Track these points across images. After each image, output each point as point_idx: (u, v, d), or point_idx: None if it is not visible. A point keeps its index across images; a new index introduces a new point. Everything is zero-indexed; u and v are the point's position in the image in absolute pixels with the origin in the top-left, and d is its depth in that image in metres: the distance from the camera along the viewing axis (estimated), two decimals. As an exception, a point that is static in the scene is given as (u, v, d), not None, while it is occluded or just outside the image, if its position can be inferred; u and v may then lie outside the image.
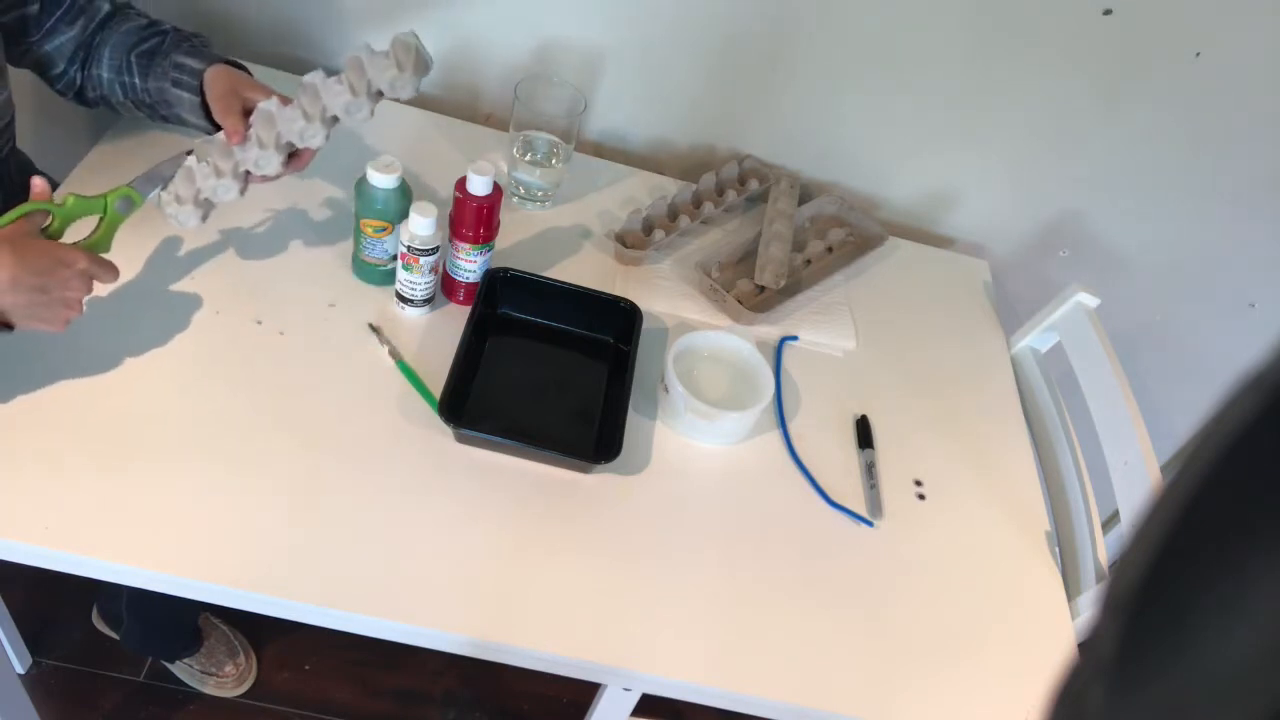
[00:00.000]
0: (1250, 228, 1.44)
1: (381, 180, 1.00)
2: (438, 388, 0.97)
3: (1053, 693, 0.30)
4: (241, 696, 1.49)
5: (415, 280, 1.04)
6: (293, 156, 0.97)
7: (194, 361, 0.96)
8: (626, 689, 0.95)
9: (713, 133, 1.41)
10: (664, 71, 1.35)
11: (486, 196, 1.02)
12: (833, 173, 1.43)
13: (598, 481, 0.98)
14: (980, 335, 1.31)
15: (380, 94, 0.94)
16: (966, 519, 1.07)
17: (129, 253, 1.00)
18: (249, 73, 1.01)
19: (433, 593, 0.85)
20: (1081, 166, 1.40)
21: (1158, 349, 1.58)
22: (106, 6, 1.00)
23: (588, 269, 1.20)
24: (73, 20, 0.98)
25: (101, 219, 0.87)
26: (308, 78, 0.93)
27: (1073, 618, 1.01)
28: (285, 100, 0.94)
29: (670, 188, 1.36)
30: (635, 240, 1.24)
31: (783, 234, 1.25)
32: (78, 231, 0.86)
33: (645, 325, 1.12)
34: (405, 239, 1.01)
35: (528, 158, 1.24)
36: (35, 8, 0.96)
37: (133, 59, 0.99)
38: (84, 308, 0.84)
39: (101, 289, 0.91)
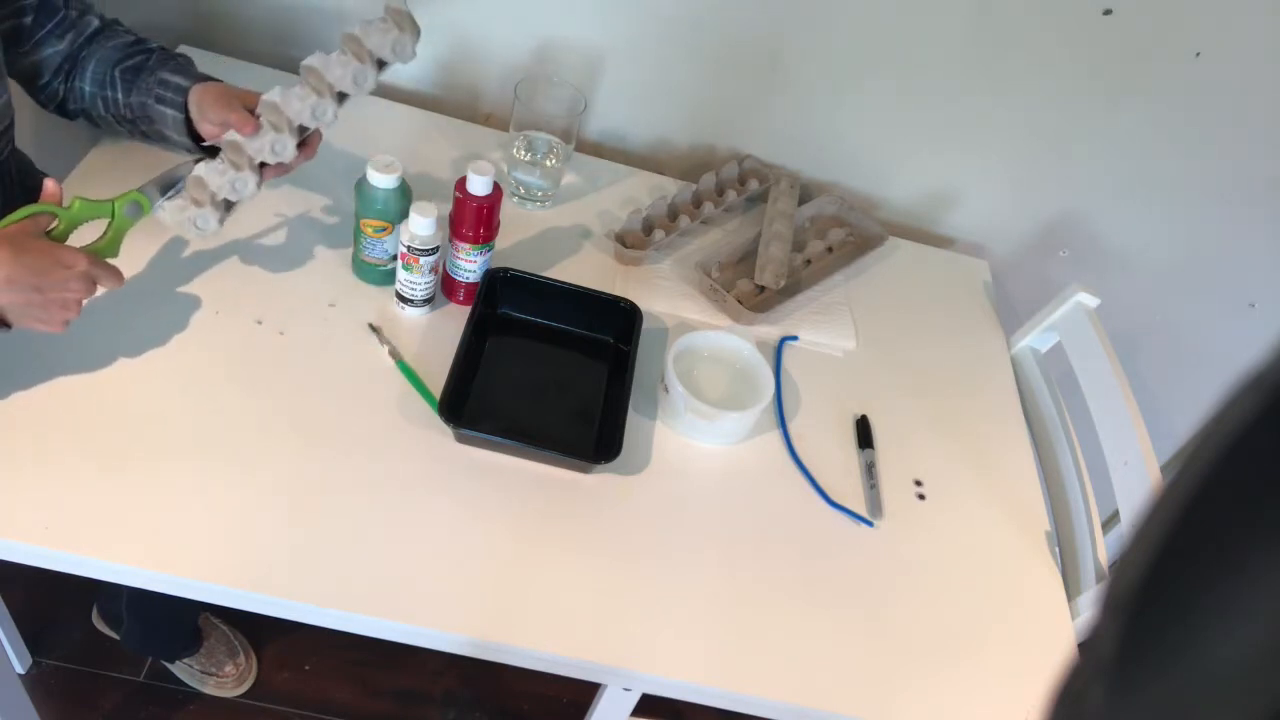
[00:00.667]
0: (1250, 228, 1.44)
1: (381, 180, 1.00)
2: (438, 388, 0.97)
3: (1053, 693, 0.30)
4: (241, 696, 1.49)
5: (415, 280, 1.04)
6: (302, 146, 0.96)
7: (194, 361, 0.96)
8: (626, 689, 0.95)
9: (713, 133, 1.41)
10: (664, 71, 1.35)
11: (486, 196, 1.02)
12: (833, 173, 1.43)
13: (598, 481, 0.98)
14: (980, 335, 1.31)
15: (382, 63, 0.95)
16: (966, 519, 1.07)
17: (129, 253, 1.00)
18: None
19: (433, 593, 0.85)
20: (1082, 166, 1.40)
21: (1158, 349, 1.58)
22: (95, 22, 1.01)
23: (588, 269, 1.20)
24: (62, 34, 0.99)
25: (110, 223, 0.87)
26: (308, 60, 0.94)
27: (1073, 618, 1.01)
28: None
29: (670, 188, 1.36)
30: (635, 240, 1.24)
31: (783, 234, 1.25)
32: (87, 236, 0.86)
33: (645, 325, 1.12)
34: (405, 239, 1.01)
35: (528, 158, 1.24)
36: (29, 19, 0.96)
37: (117, 74, 0.99)
38: (81, 310, 0.83)
39: (104, 291, 0.91)
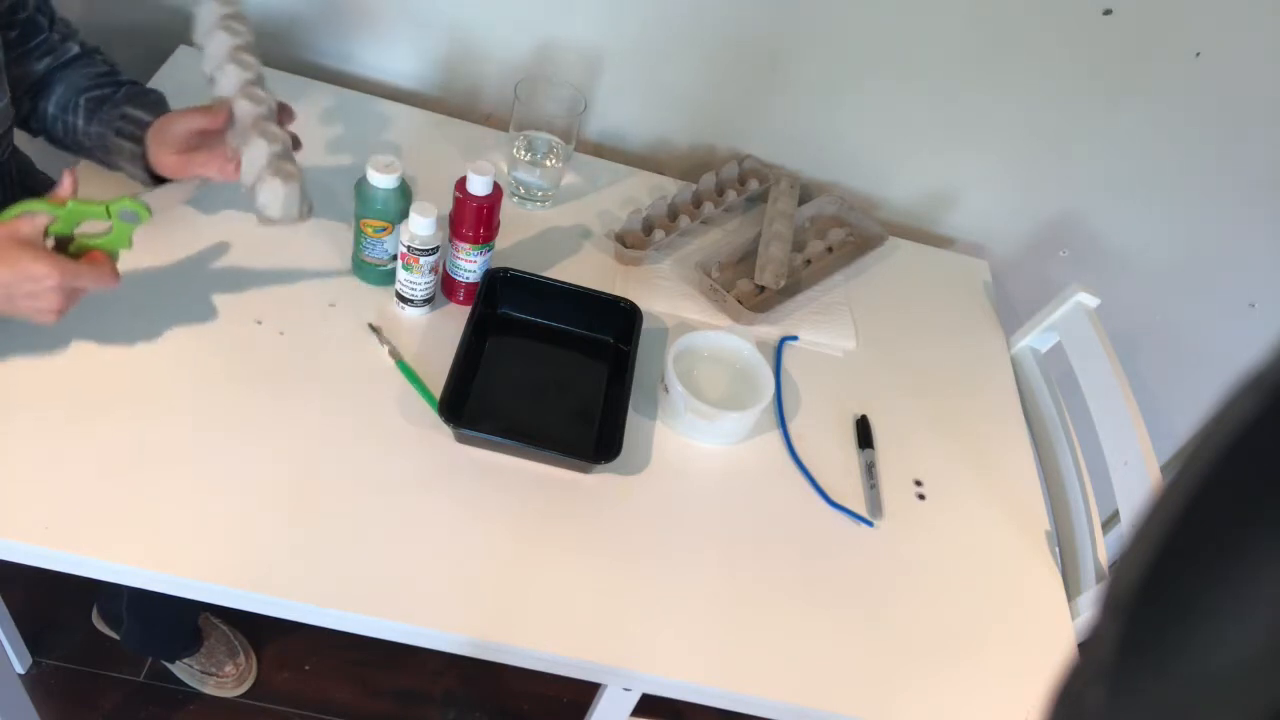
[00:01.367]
0: (1250, 228, 1.44)
1: (381, 180, 1.00)
2: (438, 388, 0.97)
3: (1053, 693, 0.30)
4: (241, 696, 1.49)
5: (415, 280, 1.04)
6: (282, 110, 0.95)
7: (194, 361, 0.96)
8: (626, 689, 0.95)
9: (713, 133, 1.41)
10: (664, 71, 1.35)
11: (486, 196, 1.02)
12: (833, 173, 1.43)
13: (598, 481, 0.98)
14: (980, 335, 1.31)
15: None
16: (966, 519, 1.07)
17: (129, 253, 1.00)
18: None
19: (433, 593, 0.85)
20: (1081, 166, 1.40)
21: (1158, 349, 1.58)
22: (75, 49, 1.01)
23: (588, 269, 1.20)
24: (41, 56, 0.98)
25: (110, 224, 0.87)
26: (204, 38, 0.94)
27: (1073, 618, 1.01)
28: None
29: (670, 188, 1.36)
30: (635, 240, 1.24)
31: (783, 234, 1.25)
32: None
33: (645, 325, 1.11)
34: (405, 239, 1.01)
35: (528, 158, 1.24)
36: (15, 34, 0.96)
37: (81, 101, 0.98)
38: (72, 307, 0.82)
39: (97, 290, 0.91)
